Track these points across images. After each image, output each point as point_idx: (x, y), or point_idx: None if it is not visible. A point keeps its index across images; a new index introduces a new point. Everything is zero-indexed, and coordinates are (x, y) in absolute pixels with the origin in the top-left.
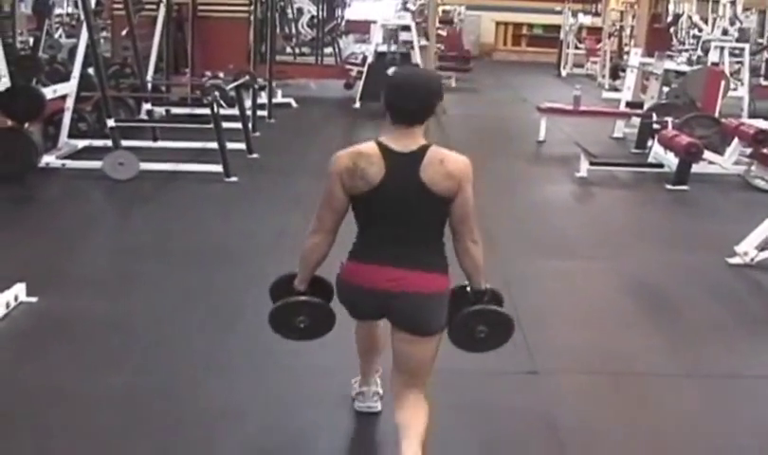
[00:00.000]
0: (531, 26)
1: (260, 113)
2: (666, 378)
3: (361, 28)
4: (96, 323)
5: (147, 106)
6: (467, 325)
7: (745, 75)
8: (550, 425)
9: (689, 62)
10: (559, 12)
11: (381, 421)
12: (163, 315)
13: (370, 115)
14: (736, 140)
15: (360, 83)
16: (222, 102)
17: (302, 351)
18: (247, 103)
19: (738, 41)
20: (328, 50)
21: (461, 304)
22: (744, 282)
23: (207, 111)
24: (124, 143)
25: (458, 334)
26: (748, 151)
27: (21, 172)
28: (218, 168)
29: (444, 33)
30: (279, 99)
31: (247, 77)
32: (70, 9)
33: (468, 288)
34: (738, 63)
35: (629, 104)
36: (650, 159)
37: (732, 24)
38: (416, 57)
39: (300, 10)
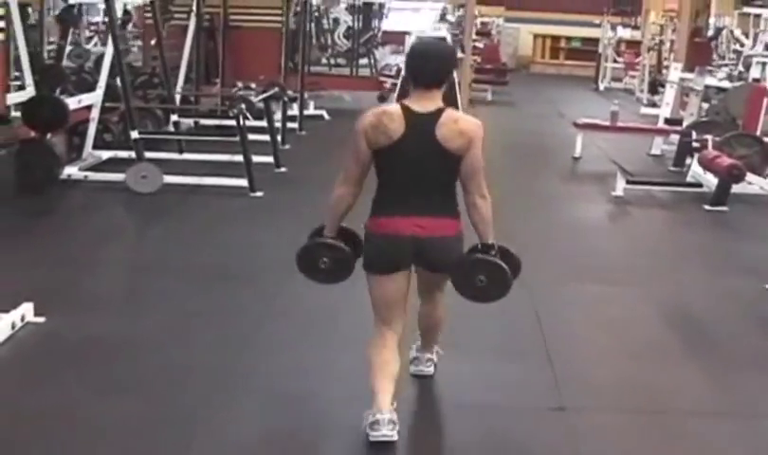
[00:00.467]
0: (569, 39)
1: (291, 125)
2: (706, 417)
3: (398, 40)
4: (106, 345)
5: (174, 117)
6: (467, 271)
7: None
8: None
9: (730, 77)
10: (598, 25)
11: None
12: (177, 337)
13: None
14: None
15: (394, 95)
16: (248, 115)
17: (315, 377)
18: (278, 115)
19: None
20: (363, 61)
21: (467, 255)
22: None
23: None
24: (149, 155)
25: (458, 276)
26: None
27: (42, 184)
28: (243, 182)
29: (481, 45)
30: (311, 110)
31: (277, 88)
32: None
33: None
34: None
35: (667, 121)
36: (689, 178)
37: None
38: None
39: (336, 21)
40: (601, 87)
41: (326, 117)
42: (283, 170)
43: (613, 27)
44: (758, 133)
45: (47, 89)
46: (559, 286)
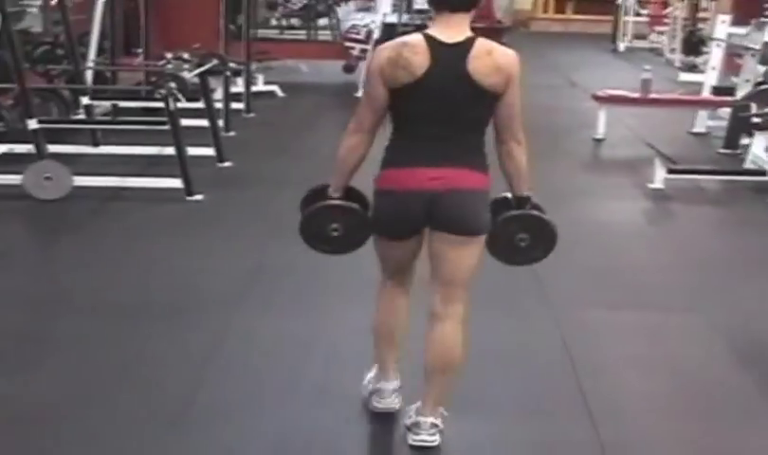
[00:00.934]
0: None
1: (236, 105)
2: None
3: None
4: None
5: (85, 100)
6: (507, 231)
7: None
8: None
9: None
10: None
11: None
12: (89, 398)
13: None
14: None
15: (364, 65)
16: (179, 95)
17: None
18: (219, 94)
19: None
20: (323, 22)
21: (501, 213)
22: None
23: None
24: (54, 149)
25: (498, 240)
26: None
27: None
28: (177, 183)
29: None
30: (260, 86)
31: (216, 60)
32: None
33: (510, 195)
34: None
35: (715, 90)
36: (747, 164)
37: None
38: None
39: None
40: (621, 47)
41: (279, 93)
42: (227, 164)
43: None
44: None
45: None
46: (591, 311)
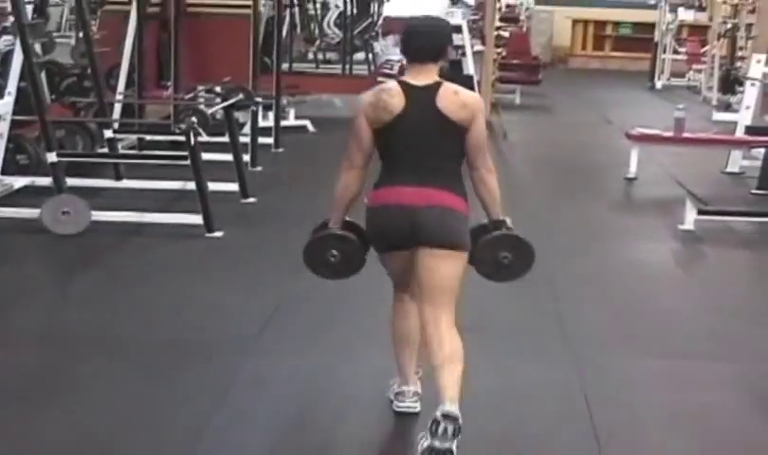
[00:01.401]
0: (617, 24)
1: (265, 140)
2: None
3: (402, 28)
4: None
5: (108, 133)
6: (492, 251)
7: None
8: None
9: None
10: (654, 6)
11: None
12: (103, 441)
13: None
14: None
15: None
16: (200, 130)
17: None
18: (247, 128)
19: None
20: (360, 56)
21: (482, 237)
22: None
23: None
24: (78, 183)
25: (483, 260)
26: None
27: None
28: (198, 219)
29: (506, 34)
30: (291, 121)
31: (241, 94)
32: None
33: (487, 221)
34: None
35: (749, 129)
36: None
37: None
38: (469, 65)
39: (325, 5)
40: (658, 85)
41: (311, 128)
42: (251, 200)
43: (673, 9)
44: None
45: None
46: (613, 357)
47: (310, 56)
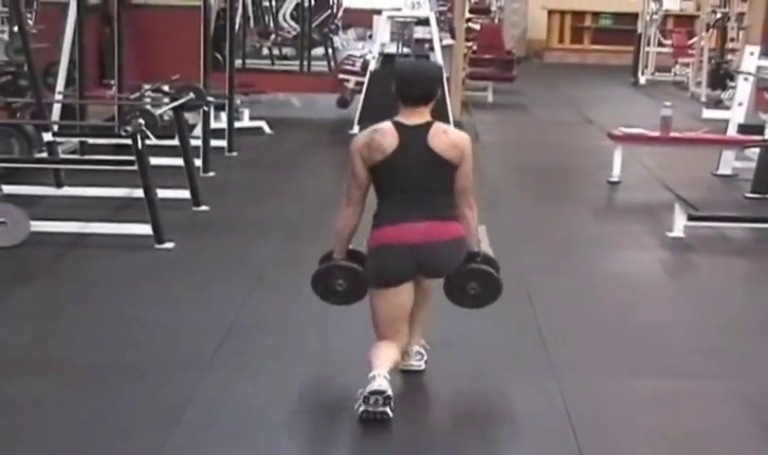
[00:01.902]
0: (597, 15)
1: (217, 143)
2: None
3: (364, 21)
4: None
5: (48, 136)
6: (461, 281)
7: None
8: None
9: None
10: None
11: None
12: None
13: None
14: None
15: (360, 99)
16: (148, 133)
17: None
18: (198, 130)
19: None
20: (318, 52)
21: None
22: None
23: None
24: (15, 190)
25: (453, 287)
26: None
27: None
28: (146, 229)
29: (477, 27)
30: (245, 122)
31: (192, 94)
32: None
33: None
34: None
35: (742, 128)
36: None
37: None
38: (438, 61)
39: None
40: (642, 80)
41: (267, 130)
42: (203, 208)
43: None
44: None
45: None
46: (599, 378)
47: (265, 51)
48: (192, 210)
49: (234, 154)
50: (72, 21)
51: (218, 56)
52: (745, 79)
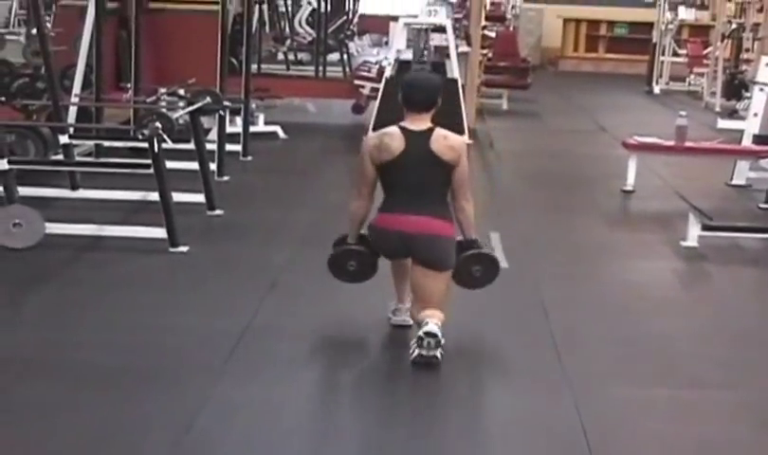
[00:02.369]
0: (612, 24)
1: (232, 147)
2: None
3: (380, 27)
4: None
5: (64, 138)
6: (467, 266)
7: None
8: None
9: None
10: (652, 5)
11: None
12: None
13: None
14: None
15: (375, 105)
16: (164, 136)
17: None
18: (215, 134)
19: None
20: (334, 57)
21: (459, 255)
22: None
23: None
24: (30, 192)
25: (459, 272)
26: None
27: None
28: (161, 232)
29: (492, 35)
30: (260, 127)
31: (208, 98)
32: None
33: (462, 238)
34: None
35: (757, 139)
36: None
37: None
38: (454, 68)
39: (296, 2)
40: (656, 90)
41: (282, 135)
42: (218, 213)
43: (673, 7)
44: None
45: None
46: (613, 388)
47: (280, 56)
48: (206, 215)
49: (249, 158)
50: (90, 24)
51: (234, 61)
52: (761, 89)
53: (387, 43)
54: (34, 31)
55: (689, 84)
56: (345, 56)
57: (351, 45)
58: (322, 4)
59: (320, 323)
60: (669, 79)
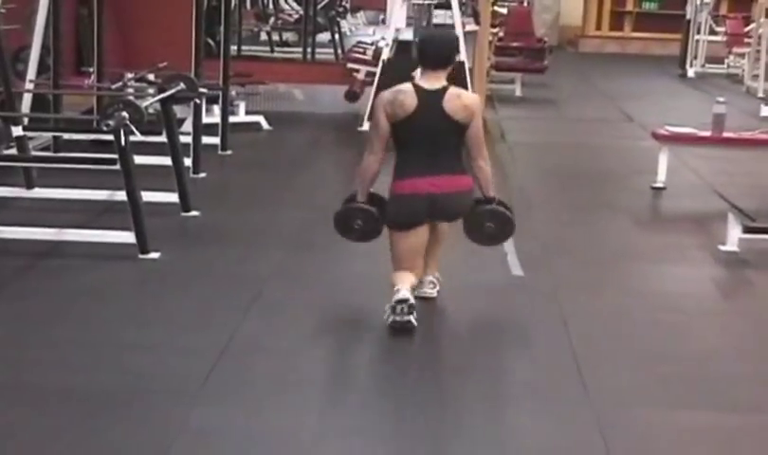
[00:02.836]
0: None
1: (209, 140)
2: None
3: (376, 3)
4: None
5: (18, 130)
6: (479, 220)
7: None
8: None
9: None
10: None
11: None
12: None
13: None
14: None
15: (371, 92)
16: (132, 127)
17: None
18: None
19: None
20: (324, 37)
21: (473, 209)
22: None
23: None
24: None
25: (472, 227)
26: None
27: None
28: (129, 236)
29: (504, 11)
30: (241, 117)
31: (182, 84)
32: None
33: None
34: None
35: None
36: None
37: None
38: (461, 49)
39: None
40: (691, 73)
41: (265, 126)
42: (193, 214)
43: None
44: None
45: None
46: (642, 411)
47: (263, 37)
48: (180, 216)
49: (228, 152)
50: (45, 1)
51: (211, 41)
52: None
53: (384, 21)
54: None
55: (728, 66)
56: (337, 36)
57: (343, 23)
58: None
59: (309, 340)
60: (706, 60)
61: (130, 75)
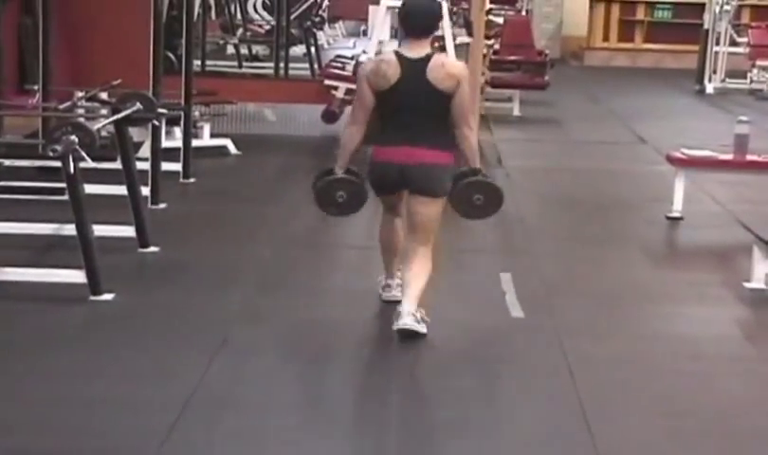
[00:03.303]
0: (651, 5)
1: (170, 166)
2: None
3: (357, 12)
4: None
5: None
6: (467, 192)
7: None
8: None
9: None
10: None
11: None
12: None
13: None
14: None
15: (349, 109)
16: (82, 153)
17: None
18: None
19: None
20: (298, 51)
21: (460, 181)
22: None
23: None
24: None
25: (460, 200)
26: None
27: None
28: (79, 276)
29: (500, 21)
30: (206, 140)
31: (138, 104)
32: None
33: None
34: None
35: None
36: None
37: None
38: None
39: None
40: (709, 88)
41: (233, 150)
42: (152, 250)
43: None
44: None
45: None
46: None
47: (230, 50)
48: (137, 253)
49: (191, 180)
50: None
51: (171, 56)
52: None
53: (365, 32)
54: None
55: (752, 81)
56: (313, 49)
57: (320, 35)
58: None
59: (281, 390)
60: (726, 74)
61: (80, 93)
